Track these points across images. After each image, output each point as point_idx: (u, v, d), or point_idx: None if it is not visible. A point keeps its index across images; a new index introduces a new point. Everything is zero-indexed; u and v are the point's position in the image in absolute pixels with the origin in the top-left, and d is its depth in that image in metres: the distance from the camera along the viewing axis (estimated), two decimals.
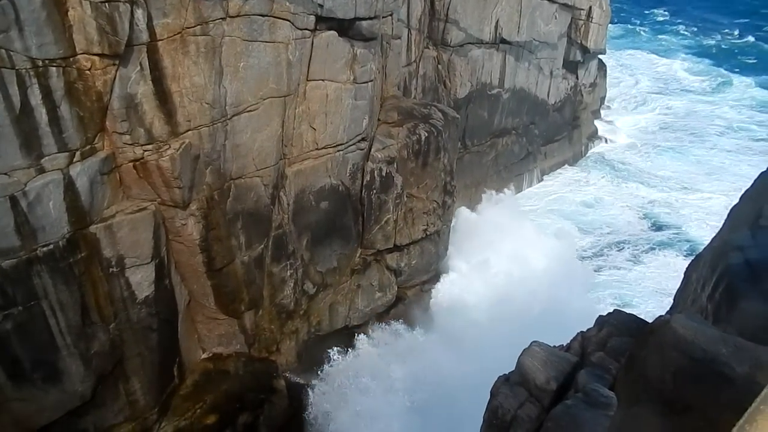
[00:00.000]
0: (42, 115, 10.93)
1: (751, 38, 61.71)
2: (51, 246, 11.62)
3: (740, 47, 60.37)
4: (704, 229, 29.11)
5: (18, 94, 10.47)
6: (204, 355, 16.78)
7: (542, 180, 34.91)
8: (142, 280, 13.58)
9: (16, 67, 10.35)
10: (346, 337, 19.39)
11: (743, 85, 49.57)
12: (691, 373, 4.20)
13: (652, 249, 29.29)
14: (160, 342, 14.49)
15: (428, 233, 20.36)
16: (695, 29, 65.62)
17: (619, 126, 41.67)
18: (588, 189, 34.62)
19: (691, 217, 31.88)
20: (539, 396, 7.91)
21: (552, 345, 8.92)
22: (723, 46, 60.45)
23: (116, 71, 11.72)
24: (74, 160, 11.73)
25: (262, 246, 16.15)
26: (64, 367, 12.48)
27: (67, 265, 12.00)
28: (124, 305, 13.46)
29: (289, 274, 17.06)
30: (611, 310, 9.58)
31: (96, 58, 11.35)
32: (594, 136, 39.60)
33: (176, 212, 13.83)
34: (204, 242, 14.60)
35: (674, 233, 30.60)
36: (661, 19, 70.64)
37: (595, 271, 27.15)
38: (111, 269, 12.93)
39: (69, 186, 11.66)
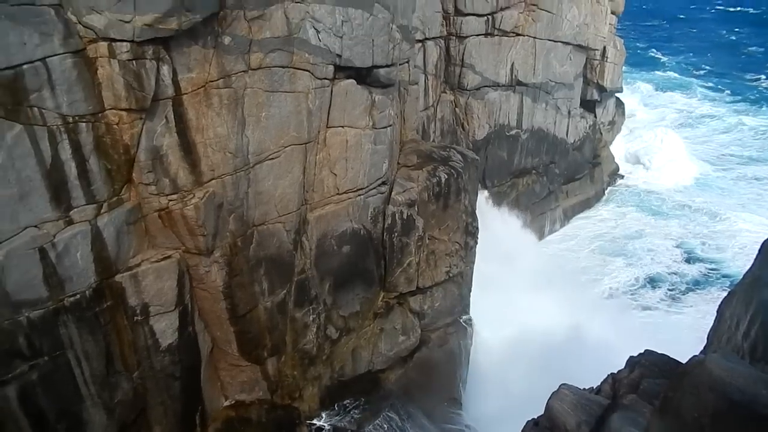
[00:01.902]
0: (71, 168, 11.27)
1: (762, 77, 62.07)
2: (78, 296, 11.78)
3: (754, 84, 60.52)
4: (742, 261, 28.36)
5: (49, 150, 10.84)
6: (226, 403, 16.58)
7: (570, 221, 34.51)
8: (166, 328, 13.63)
9: (48, 124, 10.75)
10: (368, 383, 19.04)
11: (761, 116, 49.44)
12: (731, 416, 4.01)
13: (689, 284, 28.57)
14: (183, 390, 14.41)
15: (451, 275, 20.14)
16: (709, 66, 66.23)
17: (640, 161, 41.46)
18: (616, 225, 34.14)
19: (726, 249, 31.14)
20: None
21: (581, 387, 8.63)
22: (737, 81, 60.65)
23: (143, 125, 12.10)
24: (102, 211, 12.00)
25: (285, 291, 16.16)
26: (88, 417, 12.43)
27: (93, 315, 12.13)
28: (148, 353, 13.49)
29: (311, 319, 16.97)
30: (642, 350, 9.27)
31: (123, 113, 11.74)
32: (615, 173, 39.39)
33: (200, 259, 13.97)
34: (227, 289, 14.66)
35: (711, 268, 29.84)
36: (673, 57, 71.43)
37: (630, 308, 26.50)
38: (136, 317, 13.03)
39: (96, 236, 11.90)
